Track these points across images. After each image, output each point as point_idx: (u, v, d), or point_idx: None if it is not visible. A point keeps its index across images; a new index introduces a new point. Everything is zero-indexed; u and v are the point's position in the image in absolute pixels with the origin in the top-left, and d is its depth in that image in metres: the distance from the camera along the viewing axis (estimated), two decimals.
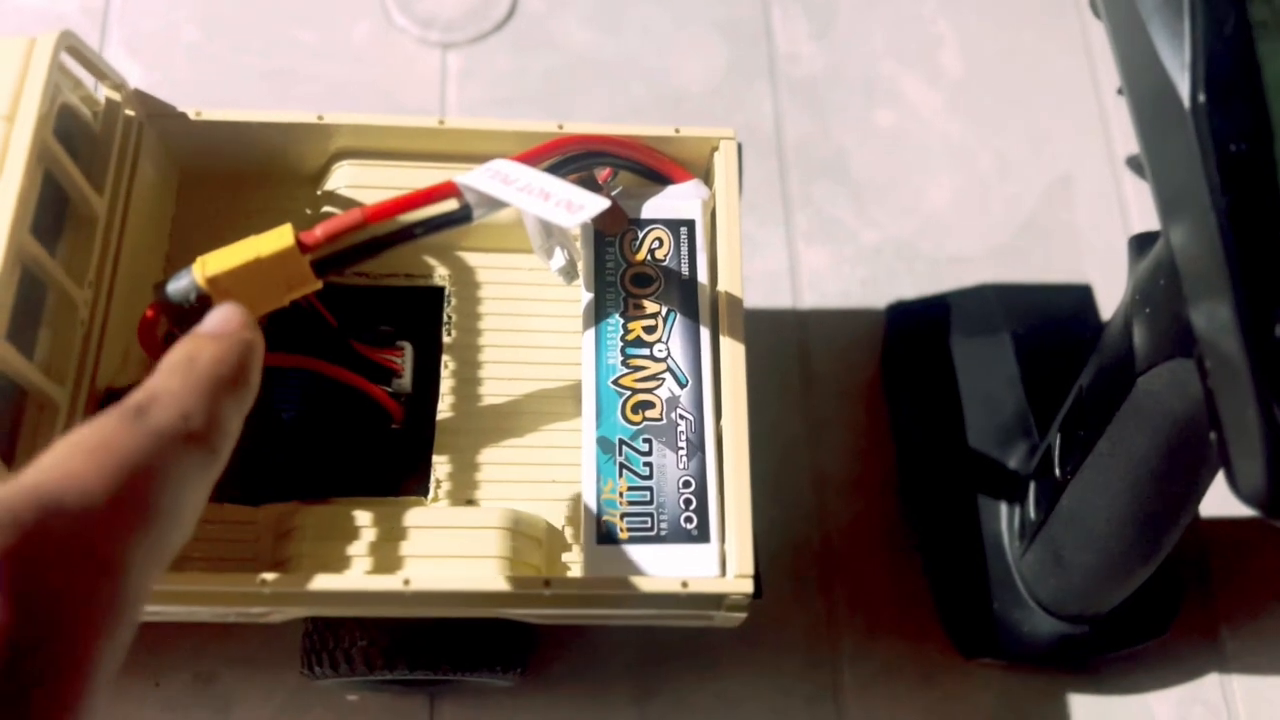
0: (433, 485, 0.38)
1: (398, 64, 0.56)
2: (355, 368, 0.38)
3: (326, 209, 0.40)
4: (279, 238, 0.32)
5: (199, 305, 0.32)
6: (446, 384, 0.39)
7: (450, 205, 0.34)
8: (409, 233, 0.34)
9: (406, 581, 0.33)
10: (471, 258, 0.41)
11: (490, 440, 0.39)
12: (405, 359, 0.39)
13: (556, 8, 0.58)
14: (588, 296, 0.38)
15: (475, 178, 0.34)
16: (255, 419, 0.27)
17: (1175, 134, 0.27)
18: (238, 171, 0.41)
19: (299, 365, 0.38)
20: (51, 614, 0.20)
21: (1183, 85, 0.27)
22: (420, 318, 0.40)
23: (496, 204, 0.34)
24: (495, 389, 0.39)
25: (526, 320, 0.40)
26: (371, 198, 0.39)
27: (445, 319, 0.40)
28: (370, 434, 0.39)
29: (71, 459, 0.22)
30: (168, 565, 0.23)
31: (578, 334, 0.38)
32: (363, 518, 0.36)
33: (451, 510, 0.37)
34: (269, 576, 0.33)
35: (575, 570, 0.37)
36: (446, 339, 0.40)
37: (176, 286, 0.32)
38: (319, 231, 0.32)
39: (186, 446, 0.24)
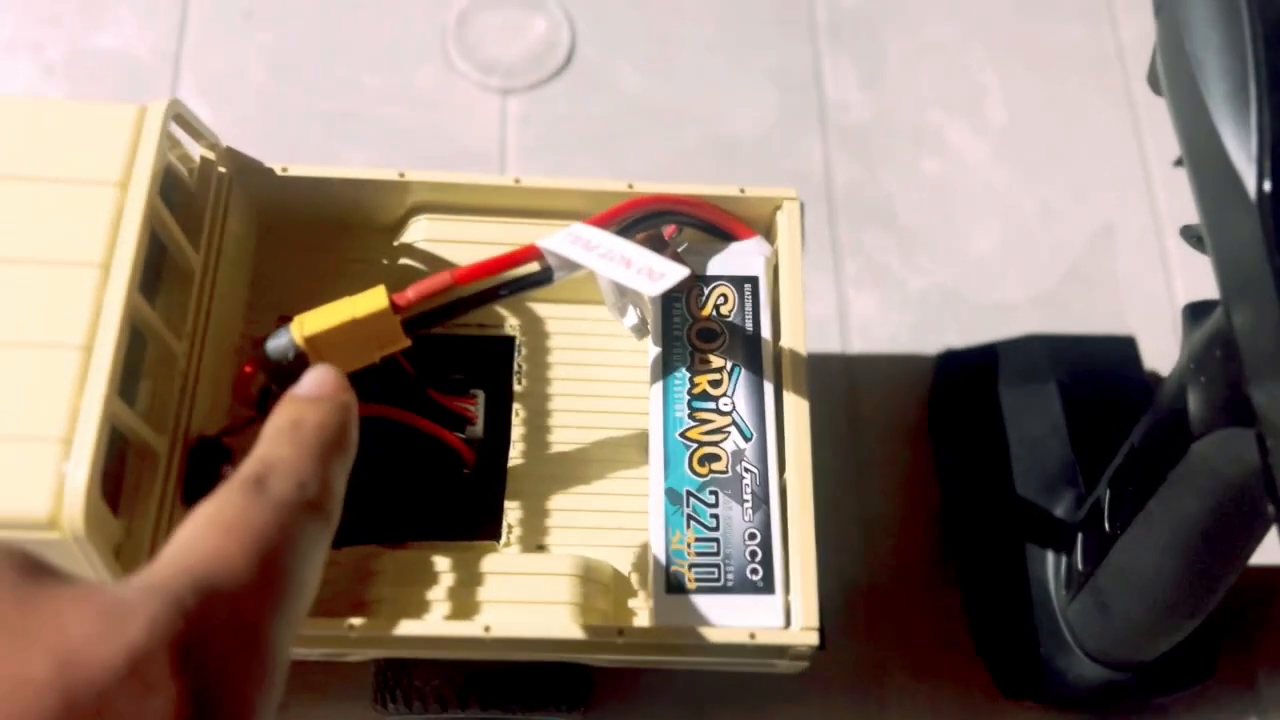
0: (505, 530, 0.39)
1: (459, 108, 0.57)
2: (431, 415, 0.39)
3: (403, 261, 0.41)
4: (373, 299, 0.34)
5: (296, 363, 0.33)
6: (517, 431, 0.41)
7: (532, 267, 0.36)
8: (494, 294, 0.35)
9: (487, 628, 0.34)
10: (541, 308, 0.43)
11: (559, 487, 0.40)
12: (478, 406, 0.41)
13: (612, 56, 0.59)
14: (655, 350, 0.39)
15: (557, 242, 0.35)
16: None
17: (1240, 220, 0.28)
18: (317, 222, 0.42)
19: (378, 414, 0.39)
20: (220, 695, 0.21)
21: (1249, 176, 0.28)
22: (492, 366, 0.42)
23: (577, 268, 0.35)
24: (564, 437, 0.41)
25: (594, 370, 0.42)
26: (447, 250, 0.41)
27: (516, 368, 0.41)
28: (445, 479, 0.40)
29: (210, 538, 0.23)
30: (299, 631, 0.24)
31: (644, 384, 0.40)
32: (440, 563, 0.37)
33: (524, 556, 0.38)
34: (356, 622, 0.34)
35: (640, 615, 0.38)
36: (517, 387, 0.41)
37: (276, 345, 0.33)
38: (411, 293, 0.34)
39: (307, 515, 0.25)
